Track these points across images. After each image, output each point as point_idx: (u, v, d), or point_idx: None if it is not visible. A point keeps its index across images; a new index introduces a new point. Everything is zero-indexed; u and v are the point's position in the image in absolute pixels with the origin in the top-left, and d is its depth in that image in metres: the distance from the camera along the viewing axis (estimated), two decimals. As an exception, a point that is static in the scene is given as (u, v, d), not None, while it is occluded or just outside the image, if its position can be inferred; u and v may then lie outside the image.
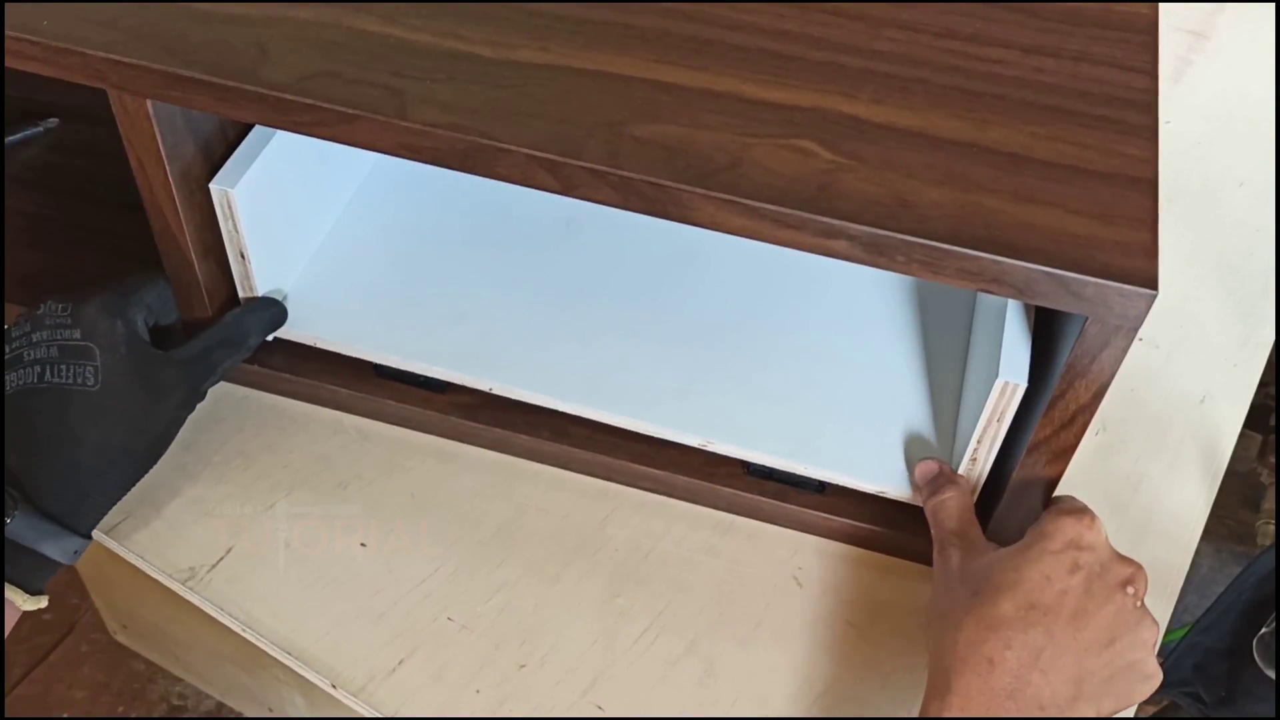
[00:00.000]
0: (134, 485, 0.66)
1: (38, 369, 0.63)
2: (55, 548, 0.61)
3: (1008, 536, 0.68)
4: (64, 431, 0.62)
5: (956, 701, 0.56)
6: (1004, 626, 0.57)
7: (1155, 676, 0.60)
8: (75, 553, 0.63)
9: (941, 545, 0.65)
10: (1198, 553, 0.74)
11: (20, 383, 0.63)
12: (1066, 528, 0.60)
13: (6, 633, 0.61)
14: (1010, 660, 0.57)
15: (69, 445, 0.62)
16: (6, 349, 0.64)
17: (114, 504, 0.65)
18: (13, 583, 0.61)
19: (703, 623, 0.69)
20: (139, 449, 0.65)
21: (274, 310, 0.73)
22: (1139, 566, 0.60)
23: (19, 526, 0.60)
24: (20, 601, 0.61)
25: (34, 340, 0.64)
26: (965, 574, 0.62)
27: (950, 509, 0.66)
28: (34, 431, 0.62)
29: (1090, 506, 0.62)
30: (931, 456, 0.70)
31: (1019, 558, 0.60)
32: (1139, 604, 0.59)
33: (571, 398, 0.73)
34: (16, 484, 0.61)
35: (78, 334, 0.64)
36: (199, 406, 0.69)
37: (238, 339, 0.71)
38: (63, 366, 0.63)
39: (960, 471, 0.67)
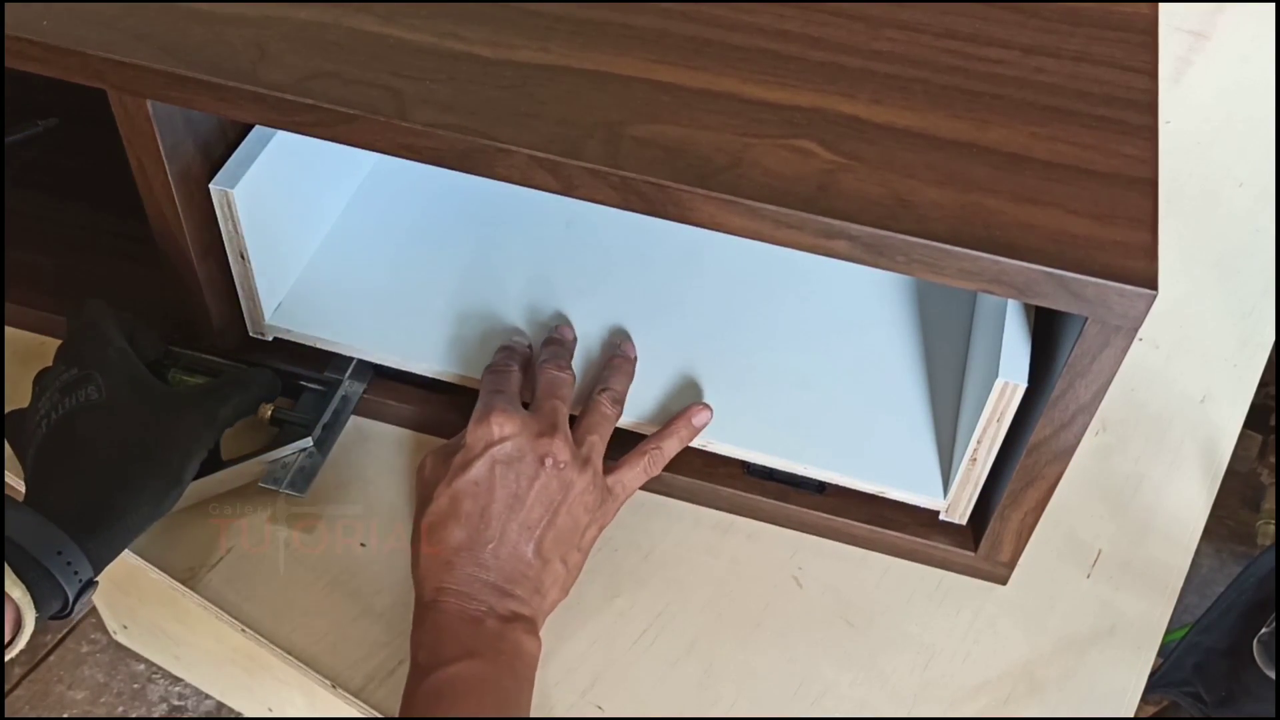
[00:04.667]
0: (161, 502, 0.63)
1: (45, 421, 0.62)
2: (59, 564, 0.58)
3: (1005, 537, 0.68)
4: (75, 443, 0.62)
5: (423, 632, 0.61)
6: (450, 552, 0.62)
7: (609, 500, 0.67)
8: (76, 574, 0.58)
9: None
10: (1198, 553, 0.74)
11: (35, 440, 0.62)
12: (477, 435, 0.64)
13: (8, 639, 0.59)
14: (461, 578, 0.61)
15: (80, 448, 0.62)
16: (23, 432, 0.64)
17: (139, 515, 0.62)
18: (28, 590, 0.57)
19: (703, 623, 0.69)
20: (156, 453, 0.63)
21: (272, 375, 0.73)
22: (552, 435, 0.64)
23: (30, 535, 0.57)
24: (27, 617, 0.57)
25: (40, 402, 0.64)
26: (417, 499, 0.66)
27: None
28: (49, 456, 0.62)
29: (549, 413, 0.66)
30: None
31: (445, 484, 0.63)
32: (562, 466, 0.64)
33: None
34: (35, 501, 0.60)
35: (75, 371, 0.64)
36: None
37: (244, 379, 0.70)
38: (66, 400, 0.62)
39: (960, 471, 0.67)
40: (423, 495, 0.65)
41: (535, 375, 0.70)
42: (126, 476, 0.62)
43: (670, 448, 0.70)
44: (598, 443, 0.67)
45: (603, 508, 0.67)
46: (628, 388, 0.72)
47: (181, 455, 0.64)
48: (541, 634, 0.63)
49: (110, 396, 0.63)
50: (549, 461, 0.64)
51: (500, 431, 0.64)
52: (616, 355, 0.73)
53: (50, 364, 0.66)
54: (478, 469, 0.63)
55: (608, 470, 0.67)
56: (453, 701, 0.58)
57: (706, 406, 0.71)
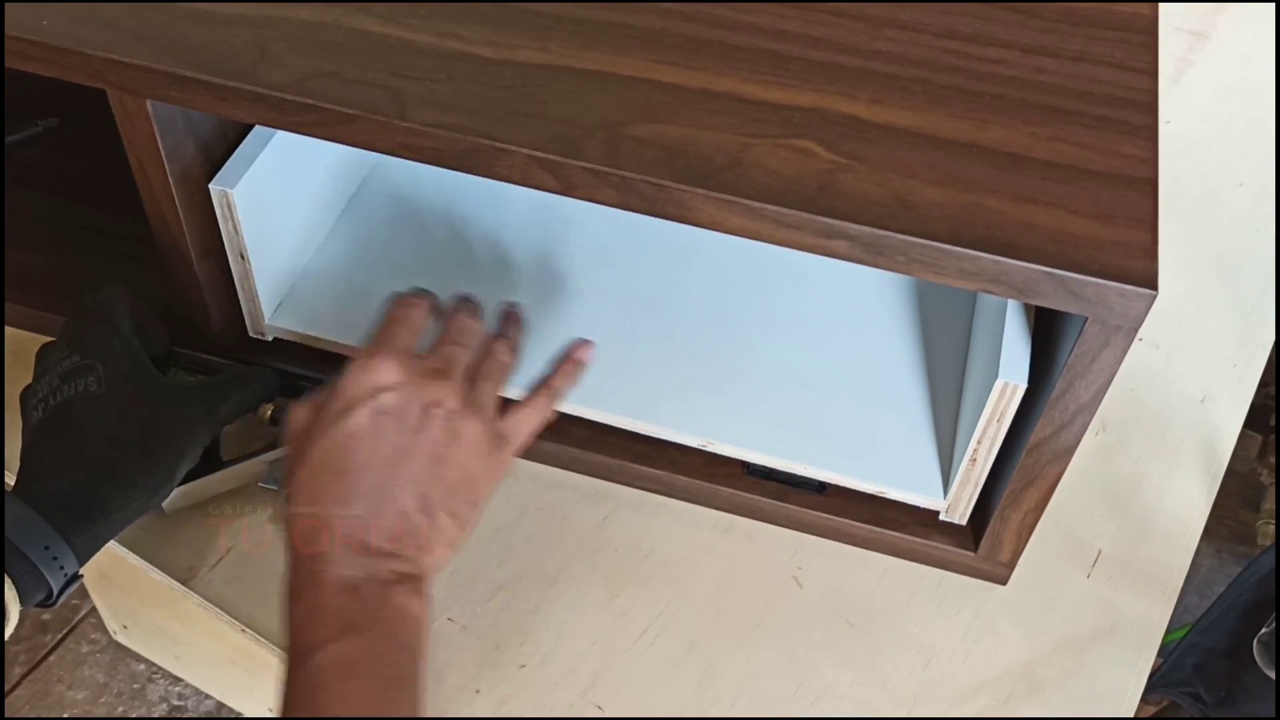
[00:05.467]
0: (151, 498, 0.63)
1: (43, 405, 0.63)
2: (46, 559, 0.58)
3: (1005, 537, 0.68)
4: (70, 433, 0.62)
5: (298, 610, 0.55)
6: (327, 512, 0.56)
7: (504, 447, 0.60)
8: (62, 569, 0.59)
9: None
10: (1198, 553, 0.74)
11: (31, 423, 0.63)
12: (359, 381, 0.58)
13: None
14: (338, 541, 0.55)
15: (74, 439, 0.62)
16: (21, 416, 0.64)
17: (127, 511, 0.62)
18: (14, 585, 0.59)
19: (703, 623, 0.69)
20: (151, 449, 0.63)
21: (272, 374, 0.72)
22: (442, 380, 0.59)
23: (18, 528, 0.58)
24: (12, 610, 0.58)
25: (39, 384, 0.64)
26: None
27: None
28: (43, 443, 0.62)
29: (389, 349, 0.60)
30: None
31: (320, 435, 0.57)
32: (450, 413, 0.58)
33: (571, 398, 0.72)
34: (24, 491, 0.60)
35: (77, 358, 0.64)
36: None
37: (244, 377, 0.70)
38: (65, 387, 0.63)
39: (960, 471, 0.67)
40: (294, 450, 0.58)
41: (444, 322, 0.64)
42: (118, 471, 0.62)
43: (561, 385, 0.65)
44: (491, 389, 0.62)
45: (496, 456, 0.60)
46: (522, 339, 0.67)
47: (176, 453, 0.64)
48: (540, 633, 0.63)
49: (109, 388, 0.63)
50: (437, 410, 0.58)
51: (383, 378, 0.58)
52: (510, 309, 0.68)
53: (54, 339, 0.66)
54: (357, 418, 0.57)
55: (500, 416, 0.62)
56: (330, 689, 0.52)
57: (587, 341, 0.66)
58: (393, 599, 0.55)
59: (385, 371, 0.58)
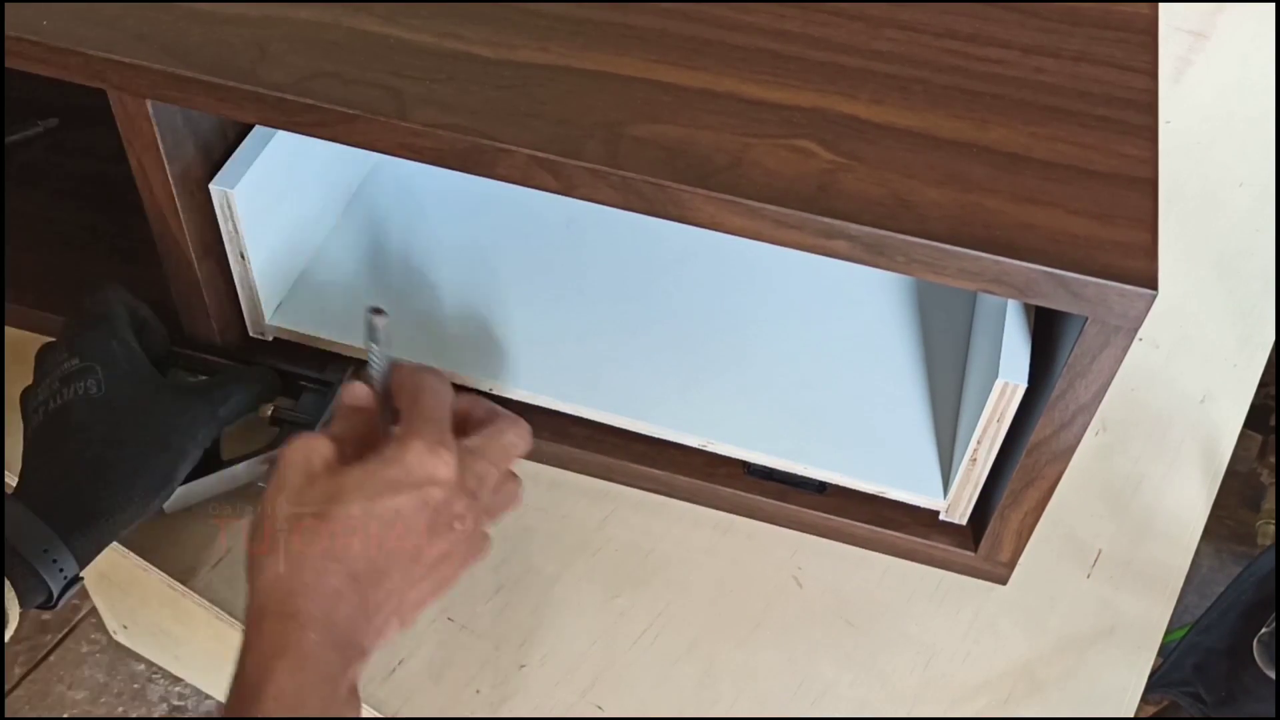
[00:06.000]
0: (151, 501, 0.63)
1: (43, 409, 0.63)
2: (45, 562, 0.58)
3: (1005, 537, 0.68)
4: (70, 436, 0.62)
5: (284, 666, 0.52)
6: (344, 576, 0.52)
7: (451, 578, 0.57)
8: (61, 572, 0.59)
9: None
10: (1198, 553, 0.74)
11: (32, 425, 0.63)
12: (426, 462, 0.54)
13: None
14: (341, 616, 0.52)
15: (74, 442, 0.62)
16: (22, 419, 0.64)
17: (127, 514, 0.62)
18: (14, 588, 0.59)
19: (703, 623, 0.69)
20: (150, 451, 0.63)
21: (273, 375, 0.71)
22: (473, 498, 0.56)
23: (18, 532, 0.58)
24: (11, 612, 0.58)
25: (39, 388, 0.64)
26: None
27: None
28: (44, 447, 0.62)
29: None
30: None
31: (366, 496, 0.53)
32: (467, 534, 0.56)
33: (571, 398, 0.73)
34: (25, 494, 0.60)
35: (76, 361, 0.64)
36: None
37: (244, 378, 0.69)
38: (65, 390, 0.63)
39: (960, 471, 0.67)
40: (324, 488, 0.53)
41: (472, 415, 0.60)
42: (119, 475, 0.62)
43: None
44: (490, 523, 0.59)
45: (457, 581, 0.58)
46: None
47: (176, 455, 0.64)
48: (540, 633, 0.63)
49: (109, 391, 0.63)
50: (459, 527, 0.55)
51: (440, 472, 0.54)
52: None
53: (54, 340, 0.66)
54: (404, 500, 0.53)
55: (487, 549, 0.59)
56: None
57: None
58: (354, 704, 0.53)
59: (444, 467, 0.55)
